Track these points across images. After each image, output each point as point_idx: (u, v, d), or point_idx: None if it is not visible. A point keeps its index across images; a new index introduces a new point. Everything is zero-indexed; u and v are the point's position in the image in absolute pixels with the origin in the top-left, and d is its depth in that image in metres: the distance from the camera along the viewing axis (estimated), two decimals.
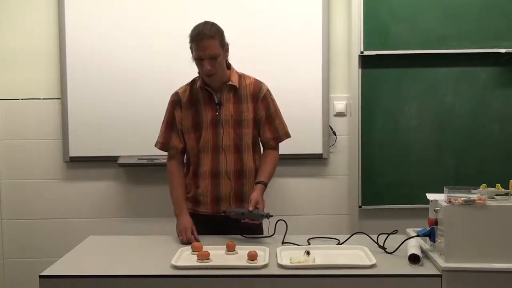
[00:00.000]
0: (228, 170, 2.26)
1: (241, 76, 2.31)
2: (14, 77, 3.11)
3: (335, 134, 3.13)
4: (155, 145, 2.37)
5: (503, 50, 2.97)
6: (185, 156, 2.38)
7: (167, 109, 2.34)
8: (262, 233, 2.27)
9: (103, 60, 3.04)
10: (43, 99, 3.12)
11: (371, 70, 3.06)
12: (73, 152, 3.08)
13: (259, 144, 2.38)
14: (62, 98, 3.07)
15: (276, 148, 2.37)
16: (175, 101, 2.31)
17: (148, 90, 3.04)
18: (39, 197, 3.16)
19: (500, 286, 1.70)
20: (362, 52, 3.02)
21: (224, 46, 2.20)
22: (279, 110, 2.36)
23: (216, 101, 2.26)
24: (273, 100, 2.34)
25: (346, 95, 3.13)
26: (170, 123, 2.32)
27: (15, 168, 3.15)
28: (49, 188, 3.15)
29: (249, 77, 2.33)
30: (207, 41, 2.11)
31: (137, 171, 3.15)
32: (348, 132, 3.13)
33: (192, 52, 2.19)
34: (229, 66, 2.29)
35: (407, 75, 3.06)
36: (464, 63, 3.03)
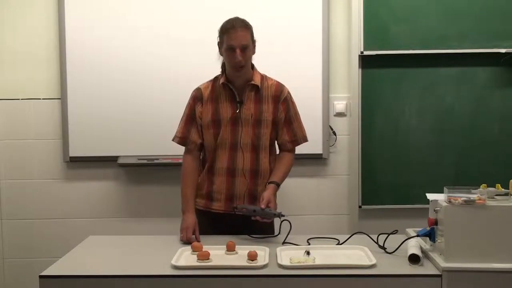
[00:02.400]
0: (245, 168, 2.26)
1: (263, 77, 2.32)
2: (14, 77, 3.11)
3: (335, 134, 3.13)
4: (173, 140, 2.34)
5: (503, 50, 2.97)
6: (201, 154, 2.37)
7: (188, 103, 2.33)
8: (273, 233, 2.26)
9: (103, 60, 3.04)
10: (43, 99, 3.12)
11: (371, 70, 3.06)
12: (73, 152, 3.08)
13: (275, 147, 2.38)
14: (62, 98, 3.07)
15: (292, 151, 2.37)
16: (197, 96, 2.30)
17: (148, 90, 3.04)
18: (39, 197, 3.16)
19: (500, 286, 1.70)
20: (362, 52, 3.02)
21: (254, 42, 2.24)
22: (299, 114, 2.37)
23: (238, 99, 2.26)
24: (293, 103, 2.35)
25: (346, 95, 3.13)
26: (190, 117, 2.31)
27: (15, 168, 3.15)
28: (49, 188, 3.16)
29: (271, 79, 2.34)
30: (241, 31, 2.16)
31: (137, 171, 3.15)
32: (348, 132, 3.13)
33: (221, 46, 2.21)
34: (252, 66, 2.30)
35: (407, 75, 3.06)
36: (464, 63, 3.03)
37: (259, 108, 2.27)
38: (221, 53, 2.24)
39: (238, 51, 2.15)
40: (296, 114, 2.36)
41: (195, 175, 2.32)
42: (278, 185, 2.25)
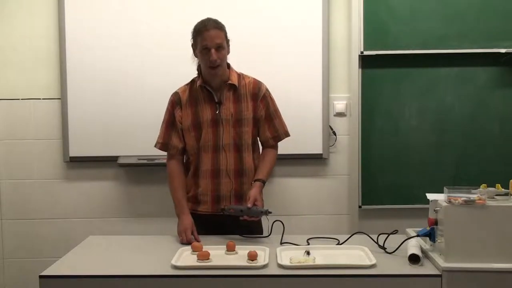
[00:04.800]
0: (228, 169, 2.27)
1: (240, 76, 2.33)
2: (14, 77, 3.11)
3: (335, 134, 3.13)
4: (155, 146, 2.37)
5: (503, 50, 2.97)
6: (184, 157, 2.39)
7: (167, 109, 2.34)
8: (261, 232, 2.28)
9: (103, 60, 3.03)
10: (43, 99, 3.12)
11: (371, 70, 3.06)
12: (73, 152, 3.08)
13: (258, 144, 2.39)
14: (62, 98, 3.06)
15: (275, 147, 2.39)
16: (175, 101, 2.32)
17: (148, 90, 3.04)
18: (39, 197, 3.16)
19: (500, 286, 1.70)
20: (362, 52, 3.02)
21: (228, 41, 2.24)
22: (278, 110, 2.38)
23: (216, 100, 2.26)
24: (272, 99, 2.36)
25: (346, 95, 3.13)
26: (170, 122, 2.32)
27: (15, 168, 3.15)
28: (49, 188, 3.15)
29: (248, 77, 2.35)
30: (214, 30, 2.16)
31: (137, 171, 3.15)
32: (348, 132, 3.13)
33: (195, 47, 2.21)
34: (228, 66, 2.30)
35: (407, 75, 3.06)
36: (464, 63, 3.03)
37: (239, 107, 2.27)
38: (195, 55, 2.25)
39: (213, 50, 2.15)
40: (276, 110, 2.37)
41: (182, 177, 2.33)
42: (263, 182, 2.26)
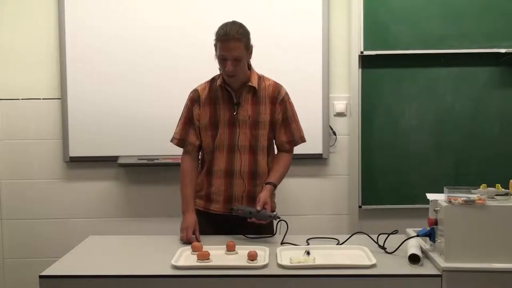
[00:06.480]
0: (242, 170, 2.26)
1: (260, 78, 2.31)
2: (14, 77, 3.11)
3: (335, 134, 3.13)
4: (171, 141, 2.34)
5: (503, 50, 2.97)
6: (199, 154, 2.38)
7: (186, 105, 2.33)
8: (273, 234, 2.26)
9: (103, 60, 3.03)
10: (43, 99, 3.12)
11: (371, 70, 3.06)
12: (73, 152, 3.08)
13: (273, 147, 2.38)
14: (62, 98, 3.07)
15: (290, 151, 2.37)
16: (194, 98, 2.30)
17: (148, 90, 3.04)
18: (39, 197, 3.16)
19: (500, 286, 1.70)
20: (362, 52, 3.02)
21: (249, 49, 2.21)
22: (296, 115, 2.36)
23: (235, 101, 2.26)
24: (291, 104, 2.34)
25: (346, 95, 3.13)
26: (188, 119, 2.31)
27: (15, 168, 3.15)
28: (49, 188, 3.15)
29: (269, 79, 2.33)
30: (233, 43, 2.12)
31: (137, 171, 3.15)
32: (348, 132, 3.13)
33: (216, 49, 2.19)
34: (250, 67, 2.28)
35: (407, 75, 3.06)
36: (464, 63, 3.03)
37: (257, 110, 2.27)
38: (215, 57, 2.23)
39: (229, 62, 2.14)
40: (294, 114, 2.35)
41: (194, 175, 2.32)
42: (275, 186, 2.26)
